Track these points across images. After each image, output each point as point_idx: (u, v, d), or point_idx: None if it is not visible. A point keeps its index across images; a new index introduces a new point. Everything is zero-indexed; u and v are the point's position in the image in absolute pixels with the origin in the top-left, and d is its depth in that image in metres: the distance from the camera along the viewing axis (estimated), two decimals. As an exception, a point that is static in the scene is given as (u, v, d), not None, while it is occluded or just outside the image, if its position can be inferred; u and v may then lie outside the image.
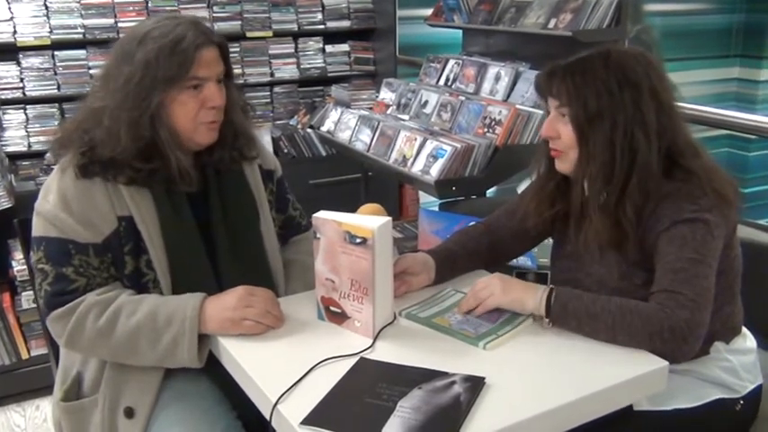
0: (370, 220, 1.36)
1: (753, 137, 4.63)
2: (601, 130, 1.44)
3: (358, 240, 1.35)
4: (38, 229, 1.49)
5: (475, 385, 1.20)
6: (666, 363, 1.29)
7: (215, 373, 1.51)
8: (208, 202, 1.59)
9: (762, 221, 2.25)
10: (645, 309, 1.34)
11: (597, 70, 1.44)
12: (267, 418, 1.20)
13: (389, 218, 1.40)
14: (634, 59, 1.46)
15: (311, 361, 1.29)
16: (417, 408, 1.14)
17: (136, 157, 1.46)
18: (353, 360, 1.31)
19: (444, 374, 1.24)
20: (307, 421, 1.13)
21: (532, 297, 1.42)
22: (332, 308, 1.45)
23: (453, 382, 1.21)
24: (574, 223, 1.56)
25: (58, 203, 1.46)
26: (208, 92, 1.49)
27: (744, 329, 1.58)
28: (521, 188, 2.93)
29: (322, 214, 1.41)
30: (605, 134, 1.43)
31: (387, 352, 1.35)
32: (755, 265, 1.60)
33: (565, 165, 1.52)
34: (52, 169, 1.54)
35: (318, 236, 1.41)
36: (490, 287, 1.46)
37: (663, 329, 1.30)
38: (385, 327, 1.42)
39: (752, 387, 1.53)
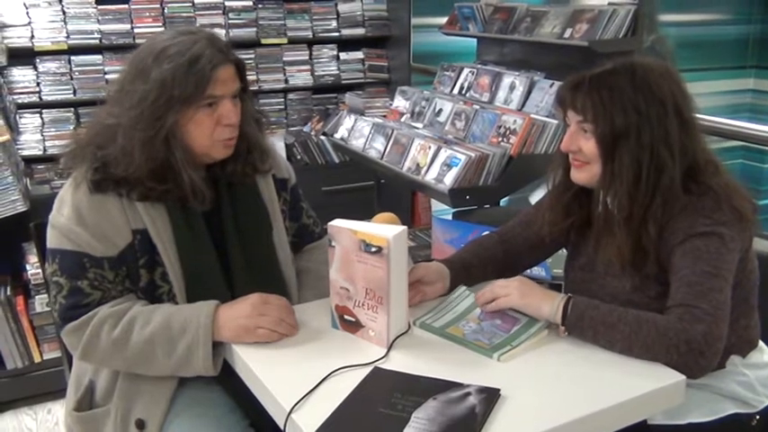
0: (385, 229, 1.36)
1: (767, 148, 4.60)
2: (627, 150, 1.42)
3: (373, 249, 1.35)
4: (52, 241, 1.48)
5: (490, 397, 1.19)
6: (683, 377, 1.28)
7: (227, 381, 1.50)
8: (221, 215, 1.58)
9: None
10: (662, 321, 1.33)
11: (624, 87, 1.42)
12: (281, 427, 1.19)
13: (405, 227, 1.40)
14: (660, 75, 1.44)
15: (325, 370, 1.29)
16: (432, 419, 1.14)
17: (149, 177, 1.44)
18: (367, 369, 1.30)
19: (459, 385, 1.23)
20: (321, 431, 1.12)
21: (549, 304, 1.41)
22: (346, 316, 1.44)
23: (468, 394, 1.20)
24: (593, 237, 1.55)
25: (72, 217, 1.45)
26: (223, 109, 1.47)
27: (760, 343, 1.56)
28: (533, 198, 2.94)
29: (337, 223, 1.41)
30: (631, 153, 1.42)
31: (401, 362, 1.34)
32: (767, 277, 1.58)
33: (583, 175, 1.51)
34: (67, 174, 1.53)
35: (333, 244, 1.41)
36: (509, 288, 1.46)
37: (680, 342, 1.29)
38: (399, 336, 1.42)
39: (768, 402, 1.52)
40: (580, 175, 1.51)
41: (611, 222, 1.47)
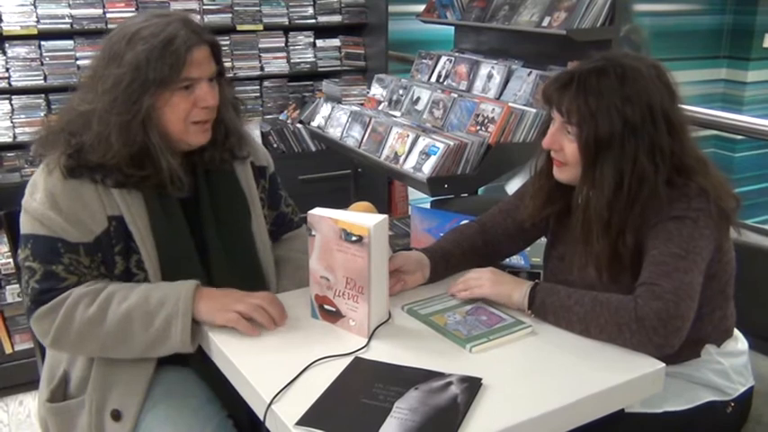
0: (366, 218, 1.35)
1: (738, 137, 4.67)
2: (609, 159, 1.39)
3: (354, 238, 1.33)
4: (25, 226, 1.45)
5: (472, 386, 1.19)
6: (663, 365, 1.29)
7: (204, 371, 1.49)
8: (199, 202, 1.56)
9: (746, 222, 2.25)
10: (616, 300, 1.33)
11: (612, 92, 1.37)
12: (261, 418, 1.18)
13: (386, 216, 1.39)
14: (650, 78, 1.40)
15: (305, 360, 1.28)
16: (414, 409, 1.13)
17: (127, 164, 1.42)
18: (348, 359, 1.29)
19: (441, 375, 1.23)
20: (302, 422, 1.11)
21: (518, 291, 1.45)
22: (326, 306, 1.43)
23: (450, 383, 1.20)
24: (577, 245, 1.51)
25: (45, 202, 1.42)
26: (200, 92, 1.45)
27: (735, 331, 1.58)
28: (509, 187, 2.94)
29: (317, 211, 1.39)
30: (614, 163, 1.38)
31: (382, 351, 1.33)
32: (744, 265, 1.57)
33: (563, 175, 1.49)
34: (38, 161, 1.50)
35: (314, 233, 1.39)
36: (482, 278, 1.49)
37: (630, 321, 1.29)
38: (380, 326, 1.41)
39: (743, 389, 1.54)
40: (560, 175, 1.50)
41: (590, 229, 1.44)
